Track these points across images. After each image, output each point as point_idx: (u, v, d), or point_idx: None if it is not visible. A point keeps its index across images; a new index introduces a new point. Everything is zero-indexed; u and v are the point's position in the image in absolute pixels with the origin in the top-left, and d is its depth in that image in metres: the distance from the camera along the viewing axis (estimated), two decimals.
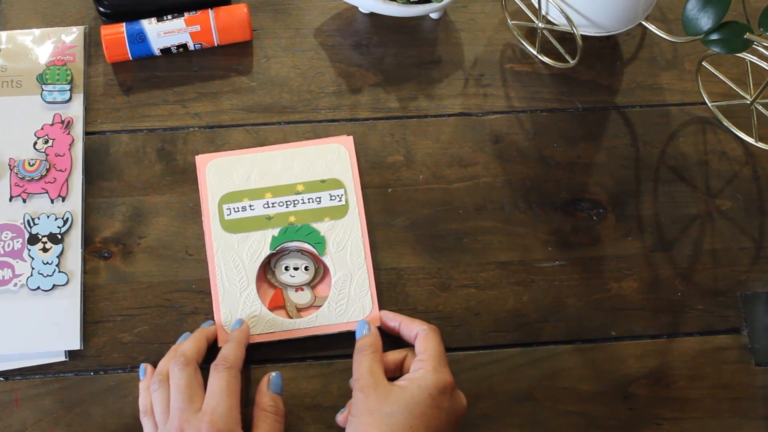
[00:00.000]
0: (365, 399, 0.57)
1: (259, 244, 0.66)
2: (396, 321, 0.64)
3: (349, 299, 0.65)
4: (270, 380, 0.62)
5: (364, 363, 0.59)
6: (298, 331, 0.64)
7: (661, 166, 0.72)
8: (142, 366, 0.62)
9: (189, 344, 0.61)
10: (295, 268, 0.66)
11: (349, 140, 0.70)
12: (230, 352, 0.61)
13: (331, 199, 0.67)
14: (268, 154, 0.69)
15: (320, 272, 0.66)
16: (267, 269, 0.66)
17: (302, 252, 0.67)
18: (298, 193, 0.67)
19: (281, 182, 0.68)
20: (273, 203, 0.67)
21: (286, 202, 0.67)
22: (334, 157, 0.69)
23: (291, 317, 0.65)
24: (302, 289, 0.66)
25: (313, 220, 0.67)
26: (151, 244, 0.67)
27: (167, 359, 0.61)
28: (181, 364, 0.59)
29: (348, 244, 0.66)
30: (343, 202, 0.67)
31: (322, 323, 0.64)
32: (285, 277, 0.66)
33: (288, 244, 0.66)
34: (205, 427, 0.56)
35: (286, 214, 0.67)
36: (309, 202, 0.67)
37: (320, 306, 0.65)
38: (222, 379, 0.58)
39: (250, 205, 0.67)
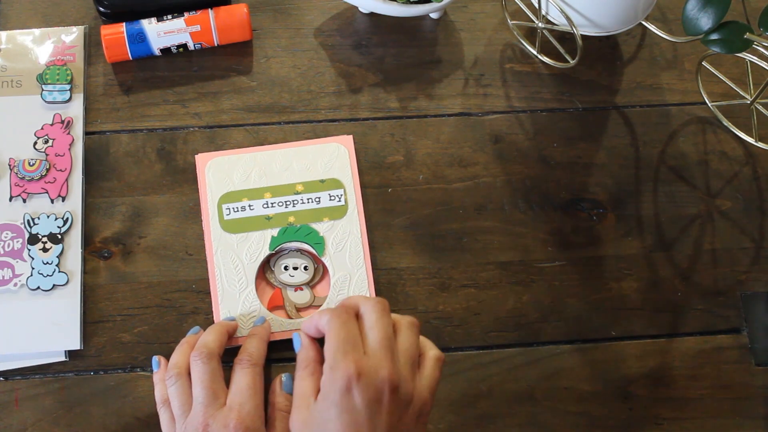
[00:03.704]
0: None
1: (259, 245, 0.66)
2: (311, 325, 0.56)
3: None
4: (282, 381, 0.61)
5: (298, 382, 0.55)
6: None
7: (661, 166, 0.72)
8: (155, 358, 0.62)
9: (211, 336, 0.60)
10: (295, 268, 0.66)
11: (349, 139, 0.70)
12: (255, 349, 0.60)
13: (330, 200, 0.67)
14: (267, 153, 0.69)
15: (320, 272, 0.66)
16: (266, 268, 0.66)
17: (302, 251, 0.67)
18: (297, 193, 0.67)
19: (281, 182, 0.68)
20: (272, 203, 0.67)
21: (286, 202, 0.67)
22: (333, 157, 0.69)
23: (290, 317, 0.65)
24: (301, 289, 0.66)
25: (312, 221, 0.67)
26: (151, 244, 0.67)
27: (182, 352, 0.60)
28: (205, 357, 0.58)
29: (347, 245, 0.66)
30: (343, 203, 0.67)
31: None
32: (284, 276, 0.66)
33: (287, 245, 0.66)
34: (233, 423, 0.55)
35: (285, 215, 0.67)
36: (308, 202, 0.67)
37: (319, 306, 0.65)
38: (248, 375, 0.58)
39: (249, 205, 0.67)
